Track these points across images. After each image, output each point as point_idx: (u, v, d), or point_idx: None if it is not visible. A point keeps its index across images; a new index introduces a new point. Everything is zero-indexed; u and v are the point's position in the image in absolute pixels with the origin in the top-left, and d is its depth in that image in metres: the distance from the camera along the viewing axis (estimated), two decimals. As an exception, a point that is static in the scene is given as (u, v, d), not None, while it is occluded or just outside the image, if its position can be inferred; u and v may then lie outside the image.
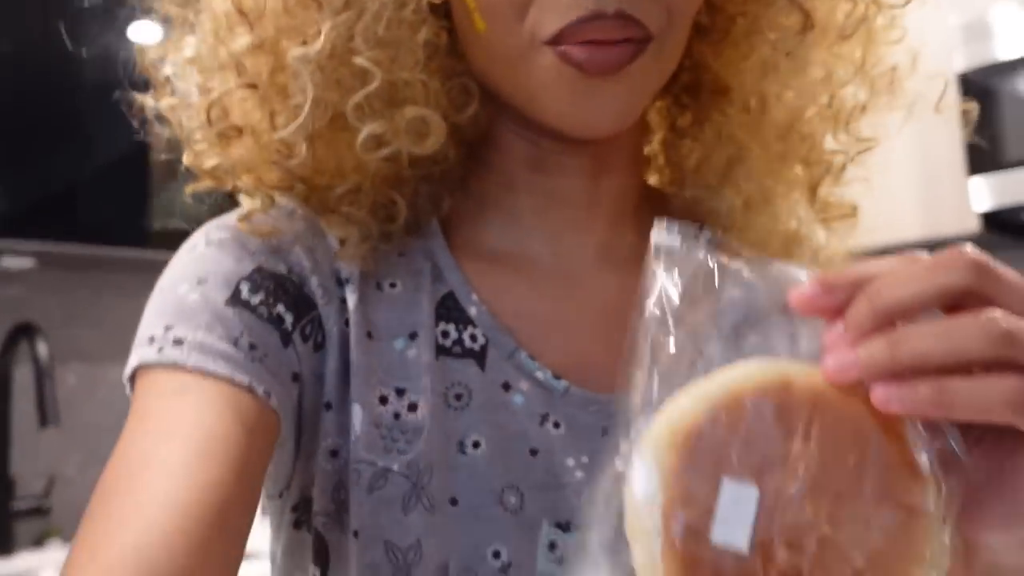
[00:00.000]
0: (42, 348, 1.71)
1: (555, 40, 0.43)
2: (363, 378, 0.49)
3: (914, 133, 0.54)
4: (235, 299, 0.47)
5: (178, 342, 0.45)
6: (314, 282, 0.50)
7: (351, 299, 0.51)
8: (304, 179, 0.51)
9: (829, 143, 0.56)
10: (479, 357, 0.51)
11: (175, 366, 0.44)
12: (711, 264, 0.32)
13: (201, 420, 0.42)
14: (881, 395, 0.28)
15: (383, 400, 0.50)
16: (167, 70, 0.51)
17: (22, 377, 1.83)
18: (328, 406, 0.50)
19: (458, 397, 0.50)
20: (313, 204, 0.52)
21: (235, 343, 0.46)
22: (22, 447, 1.86)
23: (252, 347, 0.46)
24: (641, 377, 0.31)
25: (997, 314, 0.27)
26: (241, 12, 0.47)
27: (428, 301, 0.52)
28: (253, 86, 0.48)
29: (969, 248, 0.29)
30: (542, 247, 0.54)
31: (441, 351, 0.51)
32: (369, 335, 0.50)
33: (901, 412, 0.28)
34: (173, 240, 0.54)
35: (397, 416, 0.49)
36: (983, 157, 1.87)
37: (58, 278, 2.00)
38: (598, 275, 0.54)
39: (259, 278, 0.48)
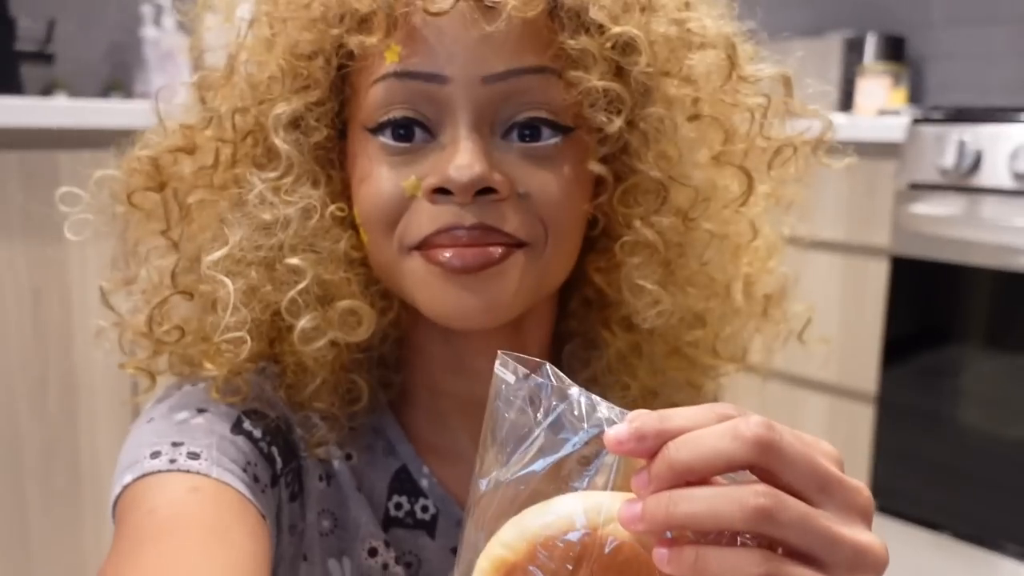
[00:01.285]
0: None
1: (420, 247, 0.48)
2: (352, 532, 0.55)
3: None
4: (239, 427, 0.50)
5: (193, 455, 0.46)
6: (297, 433, 0.54)
7: (335, 459, 0.56)
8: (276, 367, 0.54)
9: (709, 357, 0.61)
10: (430, 527, 0.57)
11: (191, 473, 0.45)
12: (546, 399, 0.34)
13: (220, 515, 0.43)
14: (657, 556, 0.31)
15: (372, 552, 0.56)
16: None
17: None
18: (304, 557, 0.54)
19: (408, 565, 0.56)
20: (286, 400, 0.54)
21: (244, 470, 0.47)
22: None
23: (256, 479, 0.48)
24: (474, 505, 0.35)
25: (759, 488, 0.30)
26: (168, 238, 0.53)
27: (382, 475, 0.57)
28: (188, 294, 0.52)
29: (756, 422, 0.30)
30: (470, 443, 0.57)
31: (393, 522, 0.56)
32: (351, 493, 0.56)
33: (672, 572, 0.31)
34: None
35: (385, 567, 0.55)
36: None
37: None
38: None
39: (256, 415, 0.51)
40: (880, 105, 2.18)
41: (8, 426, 1.34)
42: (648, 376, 0.58)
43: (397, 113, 0.47)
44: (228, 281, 0.49)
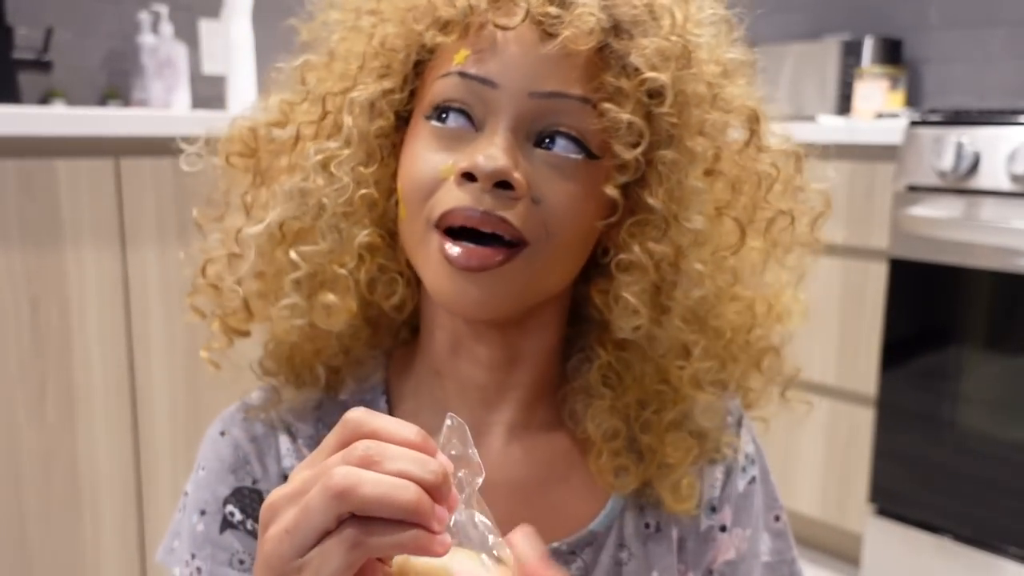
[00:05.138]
0: None
1: (439, 223, 0.53)
2: None
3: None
4: (226, 524, 0.61)
5: (199, 570, 0.61)
6: (283, 452, 0.63)
7: None
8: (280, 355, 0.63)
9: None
10: None
11: None
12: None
13: None
14: None
15: None
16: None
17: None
18: None
19: None
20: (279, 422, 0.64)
21: (230, 564, 0.60)
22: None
23: (242, 562, 0.60)
24: None
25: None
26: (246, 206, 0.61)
27: None
28: (237, 255, 0.61)
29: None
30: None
31: None
32: None
33: None
34: None
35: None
36: None
37: None
38: (505, 450, 0.61)
39: (238, 498, 0.61)
40: (878, 108, 2.18)
41: (6, 434, 1.33)
42: (636, 392, 0.62)
43: (449, 103, 0.54)
44: (252, 257, 0.59)
